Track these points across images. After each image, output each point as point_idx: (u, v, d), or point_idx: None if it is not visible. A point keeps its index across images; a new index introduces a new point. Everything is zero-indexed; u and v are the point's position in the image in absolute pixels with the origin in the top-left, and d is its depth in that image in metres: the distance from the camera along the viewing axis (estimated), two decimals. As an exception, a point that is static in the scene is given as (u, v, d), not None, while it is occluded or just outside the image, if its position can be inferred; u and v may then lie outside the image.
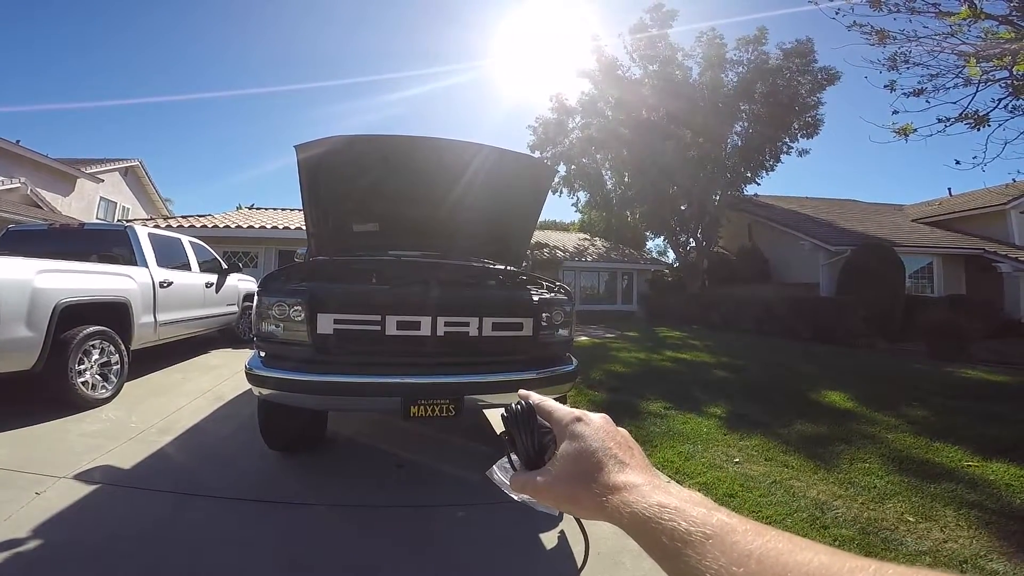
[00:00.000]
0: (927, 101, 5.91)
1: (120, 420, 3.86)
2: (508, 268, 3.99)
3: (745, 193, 17.54)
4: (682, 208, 17.78)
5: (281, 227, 12.00)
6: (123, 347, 4.53)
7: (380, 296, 2.75)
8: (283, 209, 16.12)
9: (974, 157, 5.91)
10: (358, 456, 3.38)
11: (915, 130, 5.69)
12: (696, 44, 16.08)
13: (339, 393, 2.59)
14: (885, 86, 6.17)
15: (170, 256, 5.86)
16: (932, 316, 12.15)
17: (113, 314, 4.58)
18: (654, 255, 25.78)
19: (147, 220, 14.50)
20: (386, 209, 3.63)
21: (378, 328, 2.66)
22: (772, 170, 16.88)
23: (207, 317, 6.55)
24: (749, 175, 16.76)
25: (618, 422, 0.50)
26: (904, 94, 5.99)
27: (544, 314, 2.98)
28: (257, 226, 11.98)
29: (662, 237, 20.70)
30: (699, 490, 3.08)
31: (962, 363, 9.13)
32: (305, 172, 3.15)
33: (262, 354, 2.75)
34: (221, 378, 5.39)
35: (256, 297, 2.73)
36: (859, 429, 4.29)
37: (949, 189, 21.28)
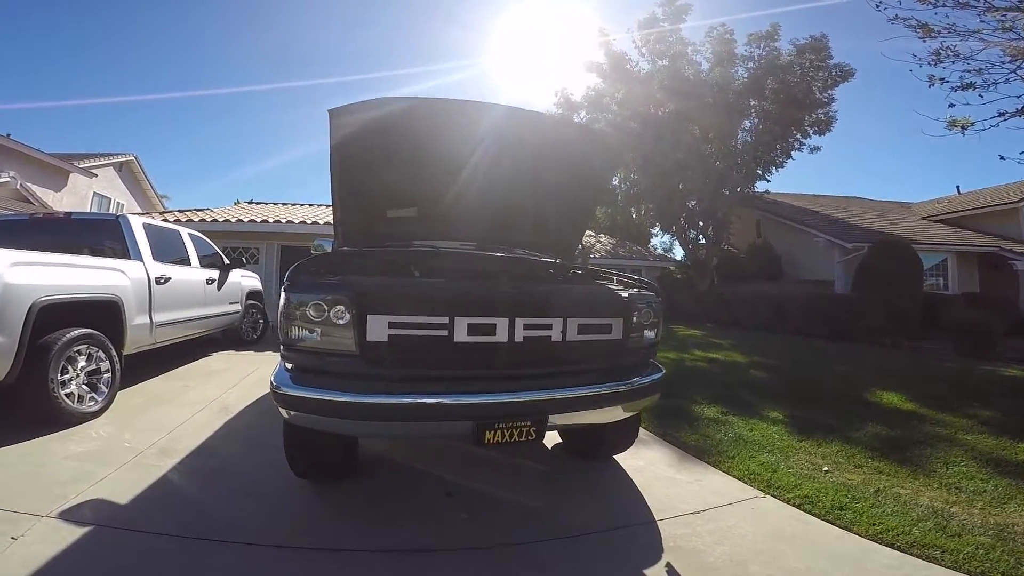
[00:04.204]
0: (980, 96, 5.67)
1: (113, 438, 3.33)
2: (561, 262, 3.54)
3: (756, 190, 17.20)
4: (691, 205, 17.41)
5: (284, 221, 11.42)
6: (114, 352, 3.99)
7: (447, 293, 2.25)
8: (284, 203, 15.49)
9: (1021, 152, 5.84)
10: (398, 482, 2.88)
11: (973, 124, 5.53)
12: (706, 40, 15.75)
13: (396, 418, 2.09)
14: (929, 84, 5.94)
15: (167, 249, 5.31)
16: (956, 314, 11.85)
17: (102, 314, 4.03)
18: (660, 252, 25.40)
19: (141, 214, 13.86)
20: (426, 191, 3.13)
21: (444, 334, 2.16)
22: (782, 167, 16.56)
23: (209, 317, 6.00)
24: (760, 171, 16.42)
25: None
26: (953, 88, 5.77)
27: (635, 313, 2.53)
28: (259, 220, 11.38)
29: (669, 234, 20.36)
30: (803, 504, 2.59)
31: (991, 361, 8.82)
32: (337, 144, 2.64)
33: (289, 366, 2.24)
34: (226, 385, 4.87)
35: (284, 295, 2.18)
36: (933, 431, 4.10)
37: (957, 187, 21.01)
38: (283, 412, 2.18)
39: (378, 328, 2.11)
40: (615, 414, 2.50)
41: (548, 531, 2.33)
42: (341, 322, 2.09)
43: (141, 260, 4.64)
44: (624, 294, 2.61)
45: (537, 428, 2.17)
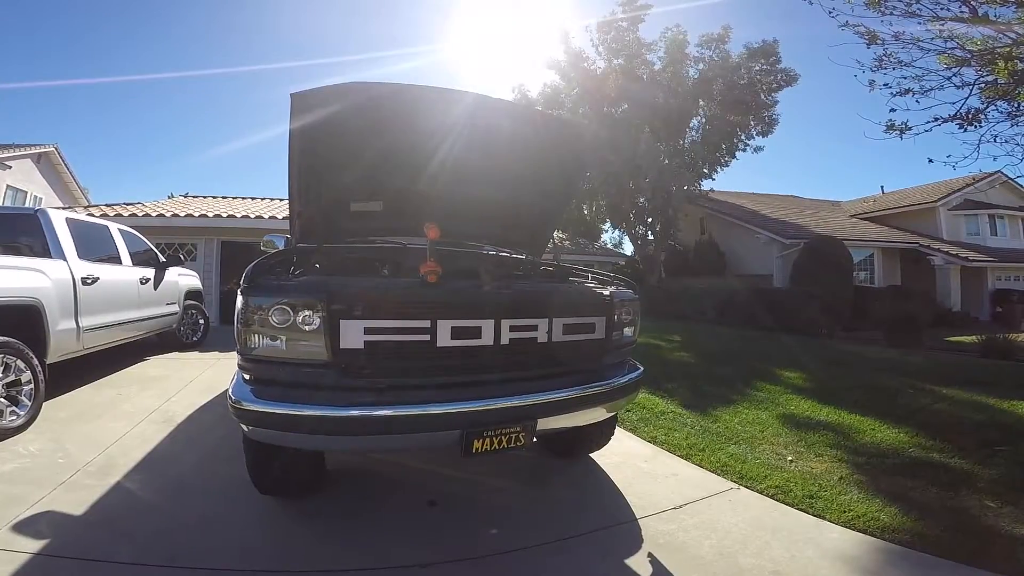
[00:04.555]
0: (917, 101, 6.03)
1: (44, 456, 2.97)
2: (533, 258, 3.46)
3: (702, 188, 17.84)
4: (640, 201, 17.83)
5: (225, 215, 10.67)
6: (36, 361, 3.55)
7: (429, 295, 2.09)
8: (224, 197, 14.51)
9: (948, 156, 6.14)
10: (374, 493, 2.71)
11: (910, 128, 5.83)
12: (660, 39, 16.12)
13: (376, 432, 1.92)
14: (869, 89, 6.31)
15: (95, 247, 4.79)
16: (885, 306, 12.78)
17: (20, 320, 3.58)
18: (609, 247, 25.90)
19: (63, 208, 12.62)
20: (393, 183, 2.95)
21: (427, 338, 2.03)
22: (727, 166, 17.27)
23: (144, 319, 5.49)
24: (706, 170, 17.04)
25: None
26: (892, 93, 6.11)
27: (616, 312, 2.49)
28: (196, 214, 10.59)
29: (619, 230, 20.78)
30: (776, 495, 2.73)
31: (919, 350, 9.54)
32: (299, 130, 2.41)
33: (249, 377, 2.03)
34: (167, 393, 4.46)
35: (241, 298, 1.97)
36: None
37: (882, 187, 22.78)
38: (245, 429, 1.97)
39: (353, 334, 1.93)
40: (599, 414, 2.46)
41: (539, 536, 2.26)
42: (310, 328, 1.89)
43: (64, 259, 4.16)
44: (606, 292, 2.56)
45: (526, 433, 2.08)
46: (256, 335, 1.93)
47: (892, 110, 5.86)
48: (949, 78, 5.81)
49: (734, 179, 42.00)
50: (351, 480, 2.81)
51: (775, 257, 15.76)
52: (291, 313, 1.89)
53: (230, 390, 1.98)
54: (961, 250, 16.14)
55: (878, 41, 6.10)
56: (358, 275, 2.48)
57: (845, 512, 2.57)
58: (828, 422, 4.15)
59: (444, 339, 2.04)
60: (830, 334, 11.92)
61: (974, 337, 10.28)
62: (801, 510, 2.63)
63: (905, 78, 6.08)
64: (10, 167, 15.82)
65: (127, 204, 11.73)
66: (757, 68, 15.53)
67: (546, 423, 2.17)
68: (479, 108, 2.64)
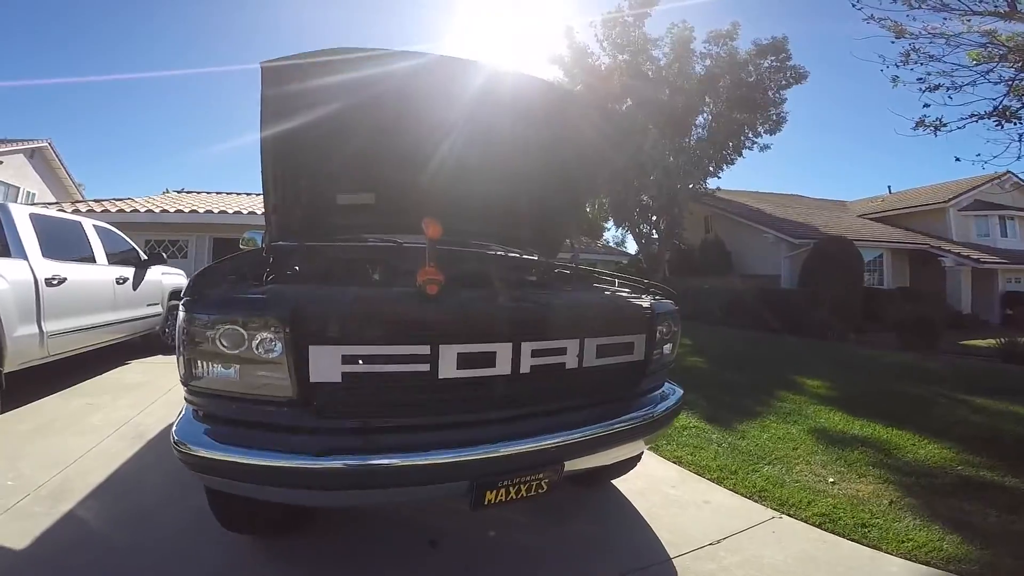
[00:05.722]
0: (950, 97, 5.83)
1: (-13, 479, 2.60)
2: (546, 260, 3.09)
3: (707, 186, 17.51)
4: (644, 199, 17.49)
5: (217, 211, 10.29)
6: (-10, 370, 3.19)
7: (429, 312, 1.65)
8: (219, 192, 14.13)
9: (978, 154, 6.20)
10: (366, 530, 2.33)
11: (945, 125, 5.69)
12: (666, 35, 15.79)
13: (361, 486, 1.54)
14: (893, 85, 6.12)
15: (64, 245, 4.40)
16: (896, 308, 12.43)
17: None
18: (612, 245, 25.58)
19: (49, 204, 12.24)
20: (388, 172, 2.55)
21: (426, 368, 1.61)
22: (733, 164, 16.93)
23: (121, 322, 5.11)
24: (712, 168, 16.71)
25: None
26: (921, 90, 5.93)
27: (658, 328, 2.09)
28: (187, 210, 10.20)
29: (623, 228, 20.43)
30: (823, 523, 2.27)
31: (936, 355, 9.20)
32: (273, 108, 1.96)
33: (199, 413, 1.64)
34: (142, 403, 4.08)
35: (183, 313, 1.56)
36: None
37: (889, 187, 22.46)
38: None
39: (327, 363, 1.51)
40: (636, 448, 2.10)
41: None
42: (270, 355, 1.48)
43: (25, 258, 3.77)
44: (645, 304, 2.14)
45: (551, 480, 1.70)
46: (202, 362, 1.53)
47: (926, 105, 5.79)
48: (985, 74, 5.54)
49: (735, 177, 41.63)
50: (338, 514, 2.44)
51: (783, 257, 15.44)
52: (244, 336, 1.48)
53: (174, 428, 1.60)
54: (972, 251, 15.81)
55: (906, 35, 5.92)
56: (345, 282, 2.07)
57: (903, 542, 2.32)
58: (864, 437, 3.81)
59: (449, 368, 1.62)
60: (841, 337, 11.59)
61: (991, 341, 9.97)
62: (854, 540, 2.36)
63: (929, 74, 5.91)
64: (1, 162, 15.56)
65: (116, 200, 11.36)
66: (766, 65, 15.22)
67: (575, 464, 1.79)
68: (492, 82, 2.21)
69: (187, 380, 1.58)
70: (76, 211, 9.12)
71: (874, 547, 2.30)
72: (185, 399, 1.68)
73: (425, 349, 1.59)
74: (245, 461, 1.45)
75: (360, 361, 1.54)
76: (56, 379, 4.49)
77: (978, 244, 16.84)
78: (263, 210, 2.67)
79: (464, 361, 1.64)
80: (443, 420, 1.66)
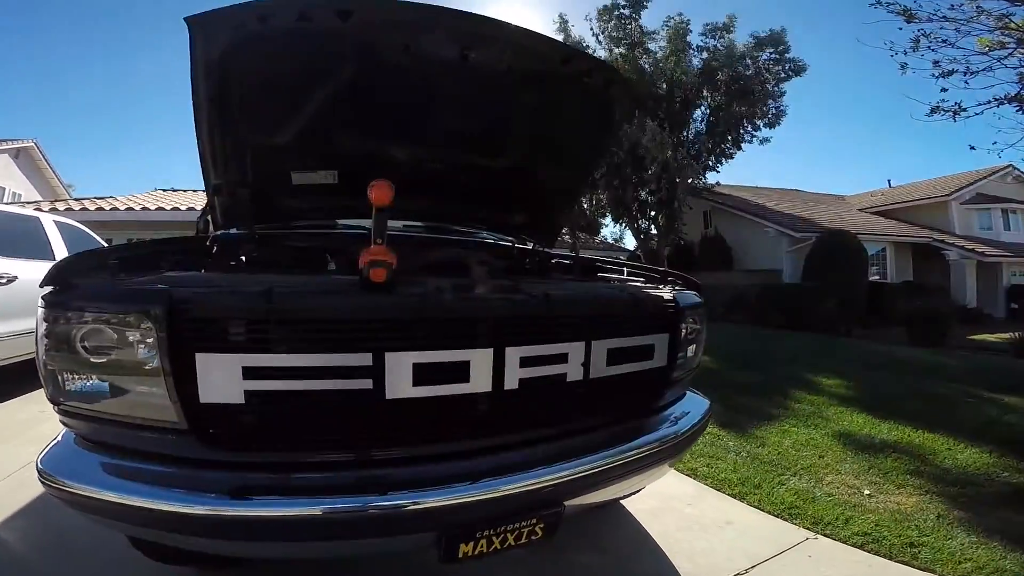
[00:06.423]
0: (966, 82, 5.63)
1: None
2: (542, 249, 2.74)
3: (707, 180, 17.23)
4: (642, 194, 17.19)
5: (200, 208, 9.94)
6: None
7: (370, 305, 1.25)
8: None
9: (994, 143, 6.19)
10: (327, 564, 1.99)
11: (964, 110, 5.53)
12: (662, 28, 15.56)
13: (277, 538, 1.18)
14: (901, 72, 5.98)
15: (17, 241, 4.07)
16: (901, 302, 12.15)
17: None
18: (609, 242, 25.30)
19: (26, 204, 11.83)
20: (351, 146, 2.14)
21: (367, 385, 1.20)
22: (732, 157, 16.65)
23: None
24: (712, 162, 16.43)
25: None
26: (935, 75, 5.73)
27: (683, 325, 1.70)
28: (169, 208, 9.82)
29: (621, 223, 20.14)
30: (866, 544, 1.89)
31: (947, 350, 8.92)
32: (206, 73, 1.57)
33: (78, 437, 1.29)
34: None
35: (40, 309, 1.21)
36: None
37: (889, 181, 22.22)
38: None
39: (222, 377, 1.12)
40: (659, 474, 1.73)
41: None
42: (144, 366, 1.12)
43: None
44: (668, 296, 1.73)
45: (547, 524, 1.31)
46: (66, 371, 1.18)
47: (943, 89, 5.60)
48: (1002, 59, 5.30)
49: (731, 174, 41.36)
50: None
51: (785, 252, 15.15)
52: (111, 336, 1.12)
53: (39, 457, 1.24)
54: (976, 245, 15.56)
55: (915, 19, 5.71)
56: (266, 272, 1.65)
57: (960, 563, 2.08)
58: (894, 442, 3.48)
59: (401, 385, 1.21)
60: (848, 332, 11.29)
61: (1001, 336, 9.71)
62: (904, 563, 2.09)
63: (938, 61, 5.69)
64: (-17, 162, 15.19)
65: (97, 198, 10.96)
66: (764, 57, 15.01)
67: (580, 502, 1.41)
68: (479, 33, 1.81)
69: (53, 395, 1.22)
70: (53, 210, 8.71)
71: (927, 570, 2.04)
72: (60, 420, 1.31)
73: (365, 359, 1.19)
74: (125, 502, 1.09)
75: (271, 376, 1.15)
76: (11, 386, 4.12)
77: (981, 237, 16.60)
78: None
79: (424, 375, 1.23)
80: (395, 455, 1.27)
